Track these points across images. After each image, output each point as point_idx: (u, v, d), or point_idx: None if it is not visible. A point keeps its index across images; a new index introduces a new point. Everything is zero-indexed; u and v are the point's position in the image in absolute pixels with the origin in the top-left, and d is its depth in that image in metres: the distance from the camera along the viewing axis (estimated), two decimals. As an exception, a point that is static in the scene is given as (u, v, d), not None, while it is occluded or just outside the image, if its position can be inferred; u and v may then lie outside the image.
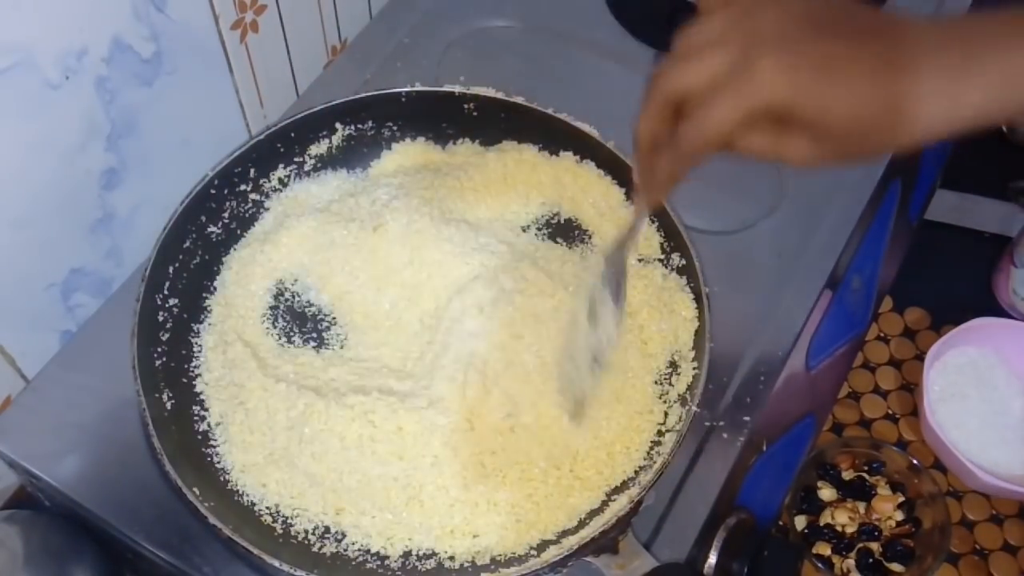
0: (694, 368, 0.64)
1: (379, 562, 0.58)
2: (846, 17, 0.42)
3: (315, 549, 0.58)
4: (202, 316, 0.67)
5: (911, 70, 0.40)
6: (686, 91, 0.42)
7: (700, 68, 0.42)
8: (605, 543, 0.57)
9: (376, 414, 0.60)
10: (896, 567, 0.83)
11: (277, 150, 0.71)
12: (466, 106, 0.73)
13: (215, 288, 0.68)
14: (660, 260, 0.69)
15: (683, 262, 0.67)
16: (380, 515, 0.59)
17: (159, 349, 0.63)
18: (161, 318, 0.64)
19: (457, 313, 0.64)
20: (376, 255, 0.67)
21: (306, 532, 0.59)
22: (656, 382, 0.64)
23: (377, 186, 0.70)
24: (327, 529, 0.59)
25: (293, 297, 0.68)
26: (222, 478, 0.61)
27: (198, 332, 0.66)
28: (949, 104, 0.40)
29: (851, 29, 0.42)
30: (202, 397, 0.64)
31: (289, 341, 0.66)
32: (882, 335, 0.98)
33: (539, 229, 0.71)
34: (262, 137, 0.70)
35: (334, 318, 0.67)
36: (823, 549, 0.84)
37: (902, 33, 0.41)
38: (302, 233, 0.69)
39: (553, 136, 0.73)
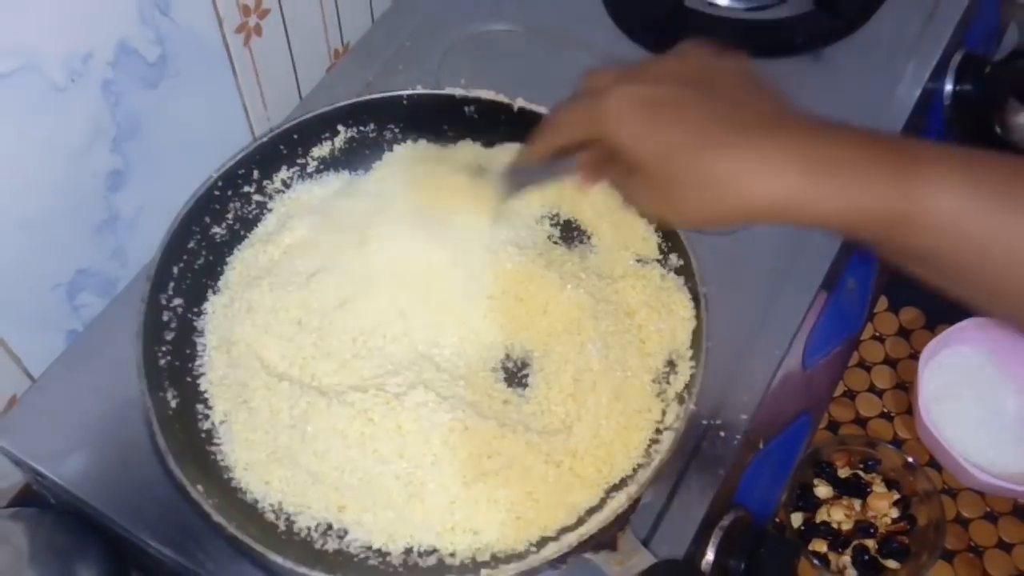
0: (692, 367, 0.64)
1: (381, 559, 0.59)
2: (735, 87, 0.45)
3: (318, 546, 0.59)
4: (206, 316, 0.67)
5: (745, 146, 0.41)
6: (596, 86, 0.48)
7: (609, 70, 0.48)
8: (604, 540, 0.57)
9: (375, 412, 0.60)
10: (892, 564, 0.84)
11: (280, 152, 0.72)
12: (467, 108, 0.74)
13: (219, 288, 0.69)
14: (658, 260, 0.70)
15: (681, 262, 0.68)
16: (382, 513, 0.59)
17: (163, 348, 0.64)
18: (166, 318, 0.65)
19: (457, 312, 0.65)
20: (364, 266, 0.67)
21: (309, 529, 0.59)
22: (654, 381, 0.65)
23: (367, 193, 0.71)
24: (329, 526, 0.60)
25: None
26: (226, 476, 0.61)
27: (202, 332, 0.67)
28: (767, 192, 0.41)
29: (724, 95, 0.44)
30: (206, 396, 0.64)
31: (291, 340, 0.67)
32: (877, 335, 0.98)
33: (538, 229, 0.72)
34: (265, 139, 0.70)
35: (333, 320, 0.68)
36: (819, 546, 0.84)
37: (771, 116, 0.43)
38: (302, 235, 0.69)
39: (553, 137, 0.73)
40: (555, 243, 0.71)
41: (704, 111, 0.43)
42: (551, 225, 0.72)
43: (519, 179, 0.63)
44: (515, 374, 0.65)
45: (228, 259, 0.70)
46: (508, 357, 0.66)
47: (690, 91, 0.44)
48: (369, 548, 0.59)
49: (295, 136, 0.72)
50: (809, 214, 0.41)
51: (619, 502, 0.58)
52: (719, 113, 0.43)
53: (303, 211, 0.71)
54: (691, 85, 0.45)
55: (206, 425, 0.63)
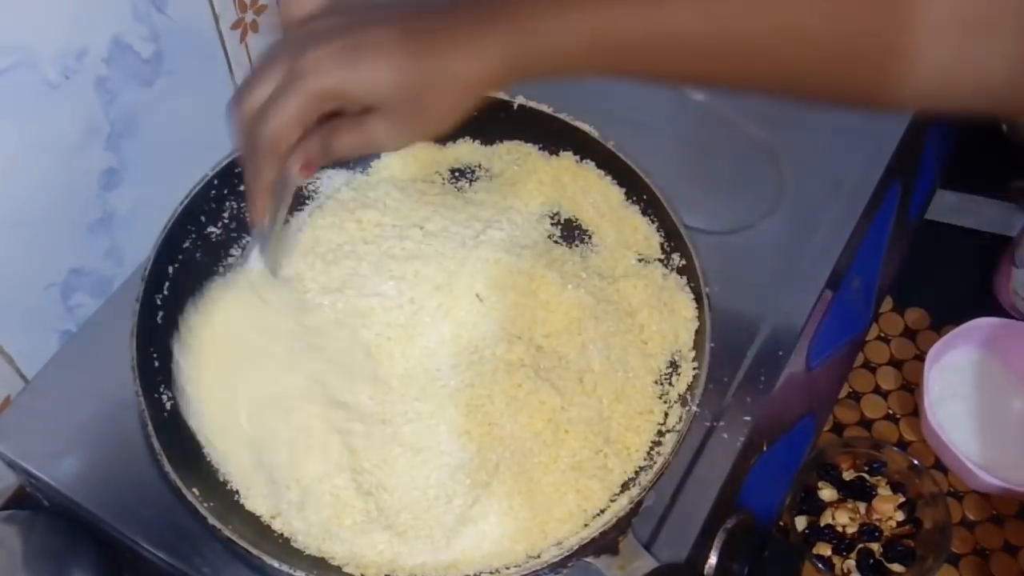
0: (694, 368, 0.64)
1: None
2: (388, 11, 0.46)
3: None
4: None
5: (437, 35, 0.44)
6: (251, 109, 0.46)
7: (259, 86, 0.46)
8: (605, 544, 0.57)
9: (372, 429, 0.60)
10: (897, 567, 0.83)
11: (277, 150, 0.71)
12: (466, 106, 0.73)
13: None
14: (660, 260, 0.69)
15: (683, 262, 0.68)
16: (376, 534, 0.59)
17: (158, 350, 0.63)
18: (160, 318, 0.64)
19: (455, 315, 0.64)
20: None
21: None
22: (656, 382, 0.64)
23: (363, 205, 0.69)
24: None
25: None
26: (221, 479, 0.60)
27: (198, 333, 0.66)
28: (477, 59, 0.44)
29: (388, 17, 0.45)
30: (201, 397, 0.63)
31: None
32: (882, 335, 0.98)
33: (538, 228, 0.71)
34: (262, 137, 0.70)
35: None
36: (823, 549, 0.83)
37: (434, 10, 0.45)
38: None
39: (553, 136, 0.73)
40: (556, 242, 0.71)
41: (394, 31, 0.45)
42: (551, 224, 0.72)
43: (268, 231, 0.58)
44: (515, 375, 0.64)
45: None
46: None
47: (358, 25, 0.45)
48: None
49: (292, 134, 0.71)
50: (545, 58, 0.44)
51: (621, 505, 0.58)
52: (402, 26, 0.45)
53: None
54: (348, 25, 0.45)
55: (201, 427, 0.62)
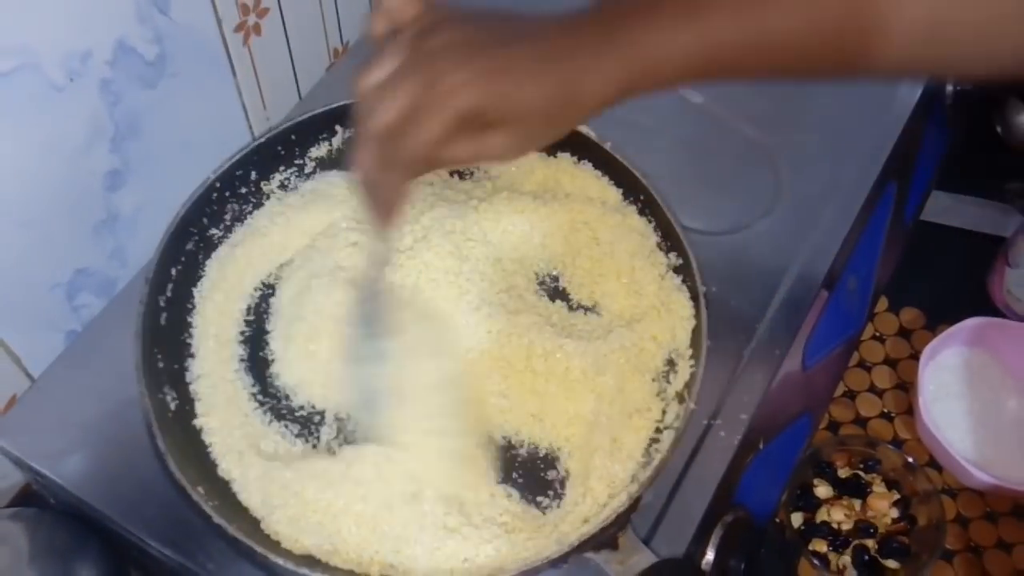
0: (691, 366, 0.64)
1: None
2: (506, 26, 0.47)
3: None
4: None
5: (567, 56, 0.45)
6: (389, 126, 0.46)
7: (395, 101, 0.45)
8: (605, 539, 0.57)
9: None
10: (891, 564, 0.84)
11: (278, 153, 0.72)
12: (465, 108, 0.74)
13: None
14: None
15: (680, 261, 0.68)
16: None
17: (162, 350, 0.64)
18: (164, 319, 0.65)
19: (455, 320, 0.65)
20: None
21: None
22: (654, 380, 0.65)
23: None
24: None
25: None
26: (223, 476, 0.61)
27: (201, 333, 0.67)
28: (602, 79, 0.45)
29: (514, 34, 0.46)
30: (205, 397, 0.64)
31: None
32: (878, 335, 0.98)
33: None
34: (263, 140, 0.70)
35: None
36: (819, 546, 0.84)
37: (557, 28, 0.46)
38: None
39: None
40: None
41: (522, 47, 0.45)
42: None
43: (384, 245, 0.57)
44: (515, 374, 0.65)
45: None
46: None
47: (493, 40, 0.46)
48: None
49: (293, 136, 0.72)
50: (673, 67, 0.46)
51: (620, 501, 0.58)
52: (530, 42, 0.46)
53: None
54: (481, 39, 0.46)
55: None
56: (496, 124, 0.45)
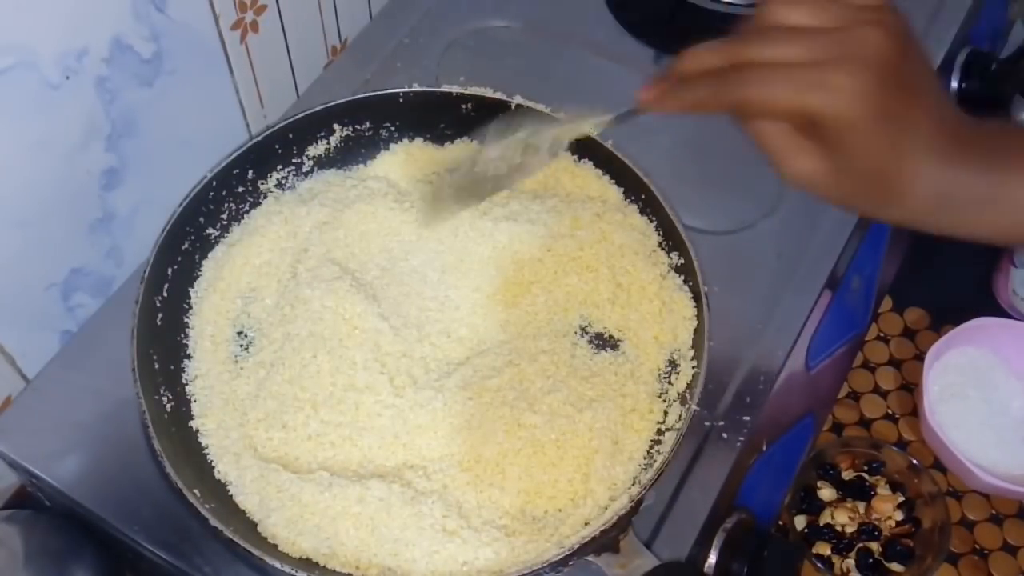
0: (693, 367, 0.64)
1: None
2: (932, 80, 0.45)
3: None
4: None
5: (945, 160, 0.43)
6: (761, 57, 0.43)
7: (787, 45, 0.42)
8: (606, 542, 0.57)
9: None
10: (896, 567, 0.83)
11: (275, 151, 0.71)
12: (464, 106, 0.73)
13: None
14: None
15: (682, 261, 0.68)
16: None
17: (158, 351, 0.63)
18: (160, 320, 0.64)
19: (452, 319, 0.65)
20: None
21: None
22: (656, 380, 0.64)
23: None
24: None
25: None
26: (219, 479, 0.61)
27: (198, 333, 0.66)
28: (935, 201, 0.43)
29: (929, 94, 0.44)
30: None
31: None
32: (882, 335, 0.98)
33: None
34: (260, 139, 0.70)
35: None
36: (823, 549, 0.83)
37: (954, 122, 0.44)
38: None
39: (552, 136, 0.73)
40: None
41: (932, 116, 0.43)
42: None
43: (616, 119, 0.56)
44: (515, 375, 0.64)
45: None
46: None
47: (905, 89, 0.42)
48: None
49: (290, 135, 0.71)
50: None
51: (621, 503, 0.58)
52: (936, 119, 0.43)
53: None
54: (899, 76, 0.42)
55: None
56: (823, 141, 0.42)
